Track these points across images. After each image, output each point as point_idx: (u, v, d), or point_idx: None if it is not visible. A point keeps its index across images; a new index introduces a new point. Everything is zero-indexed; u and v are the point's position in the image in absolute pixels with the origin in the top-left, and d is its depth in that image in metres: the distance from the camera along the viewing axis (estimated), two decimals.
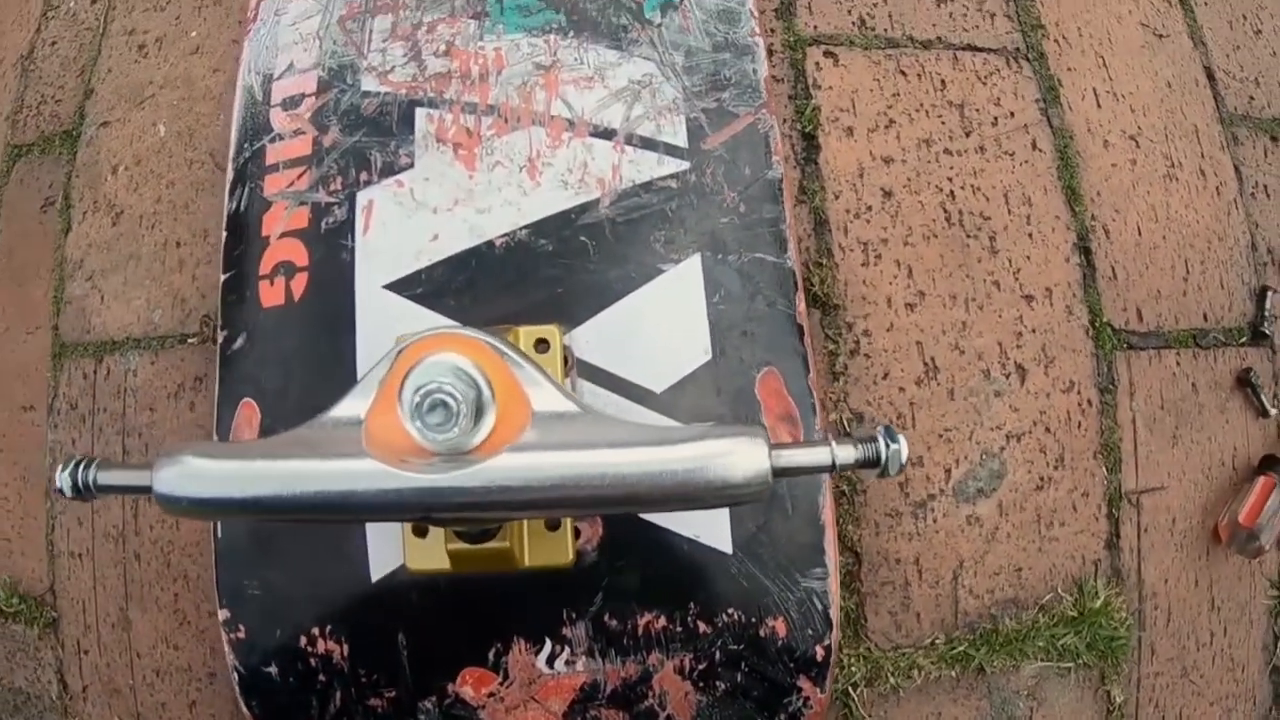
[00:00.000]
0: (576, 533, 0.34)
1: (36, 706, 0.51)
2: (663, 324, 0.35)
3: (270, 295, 0.37)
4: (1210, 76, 0.51)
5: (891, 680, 0.40)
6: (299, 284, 0.37)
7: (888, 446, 0.26)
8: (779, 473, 0.25)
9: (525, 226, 0.35)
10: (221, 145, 0.47)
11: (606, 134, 0.37)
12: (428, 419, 0.25)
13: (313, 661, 0.36)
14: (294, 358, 0.36)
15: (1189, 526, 0.45)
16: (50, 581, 0.50)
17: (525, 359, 0.27)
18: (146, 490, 0.27)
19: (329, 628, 0.35)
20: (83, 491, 0.28)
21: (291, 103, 0.39)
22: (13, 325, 0.52)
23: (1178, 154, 0.48)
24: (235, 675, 0.36)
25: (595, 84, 0.37)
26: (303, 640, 0.36)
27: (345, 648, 0.35)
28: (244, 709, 0.37)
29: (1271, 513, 0.45)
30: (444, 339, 0.27)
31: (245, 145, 0.39)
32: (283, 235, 0.37)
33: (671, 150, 0.37)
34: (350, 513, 0.27)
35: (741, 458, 0.25)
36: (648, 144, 0.37)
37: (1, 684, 0.52)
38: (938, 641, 0.40)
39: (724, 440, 0.25)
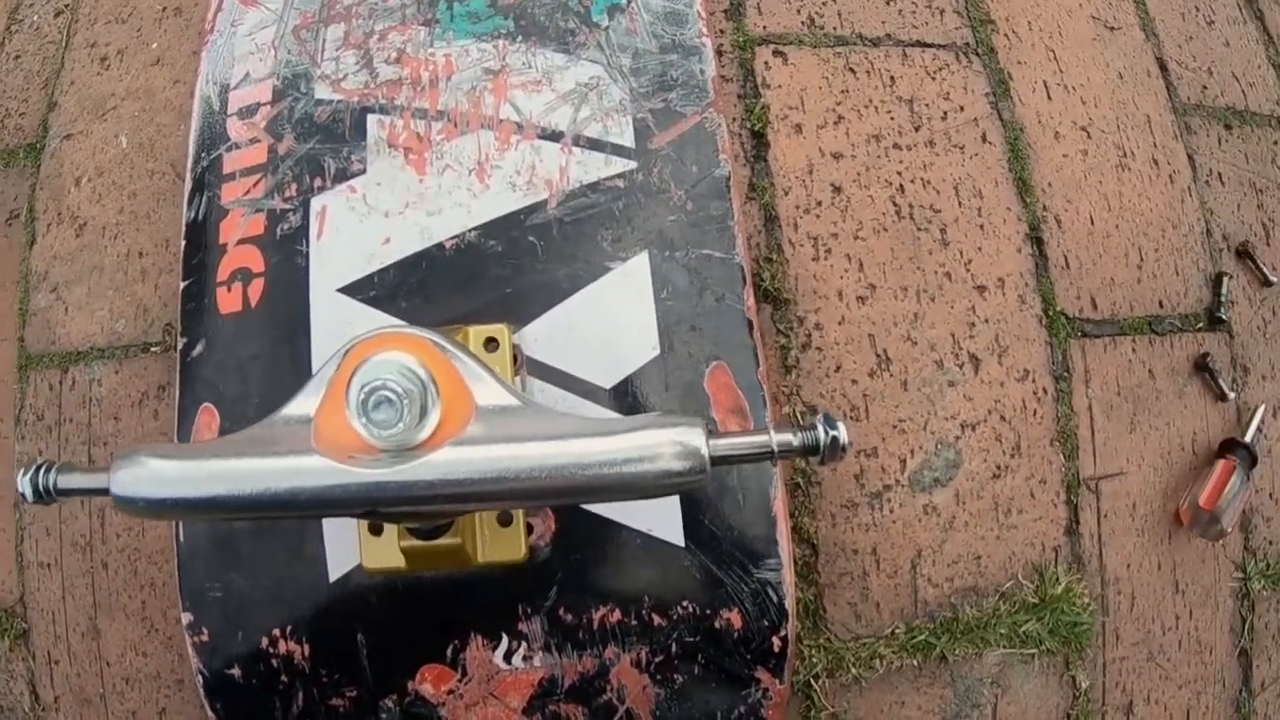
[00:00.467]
0: (529, 528, 0.35)
1: (8, 719, 0.52)
2: (611, 321, 0.36)
3: (228, 302, 0.38)
4: (1163, 67, 0.52)
5: (853, 671, 0.41)
6: (255, 290, 0.38)
7: (826, 433, 0.27)
8: (717, 461, 0.26)
9: (475, 228, 0.37)
10: (182, 155, 0.48)
11: (554, 136, 0.38)
12: (373, 416, 0.26)
13: (274, 663, 0.37)
14: (251, 362, 0.37)
15: (1150, 511, 0.46)
16: (20, 593, 0.51)
17: (469, 355, 0.28)
18: (105, 492, 0.28)
19: (289, 628, 0.36)
20: (43, 495, 0.29)
21: (247, 112, 0.41)
22: None
23: (1130, 144, 0.49)
24: (200, 678, 0.37)
25: (543, 87, 0.39)
26: (264, 642, 0.37)
27: (306, 648, 0.36)
28: (209, 712, 0.38)
29: (1232, 495, 0.46)
30: (389, 338, 0.28)
31: (203, 154, 0.41)
32: (240, 242, 0.39)
33: (618, 150, 0.38)
34: (298, 509, 0.28)
35: (679, 447, 0.25)
36: (595, 145, 0.38)
37: None
38: (898, 631, 0.41)
39: (662, 430, 0.26)
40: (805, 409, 0.39)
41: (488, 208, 0.37)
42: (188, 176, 0.41)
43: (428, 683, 0.36)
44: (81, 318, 0.49)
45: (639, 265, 0.37)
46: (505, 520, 0.34)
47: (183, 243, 0.40)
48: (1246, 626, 0.47)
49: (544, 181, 0.37)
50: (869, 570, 0.41)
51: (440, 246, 0.37)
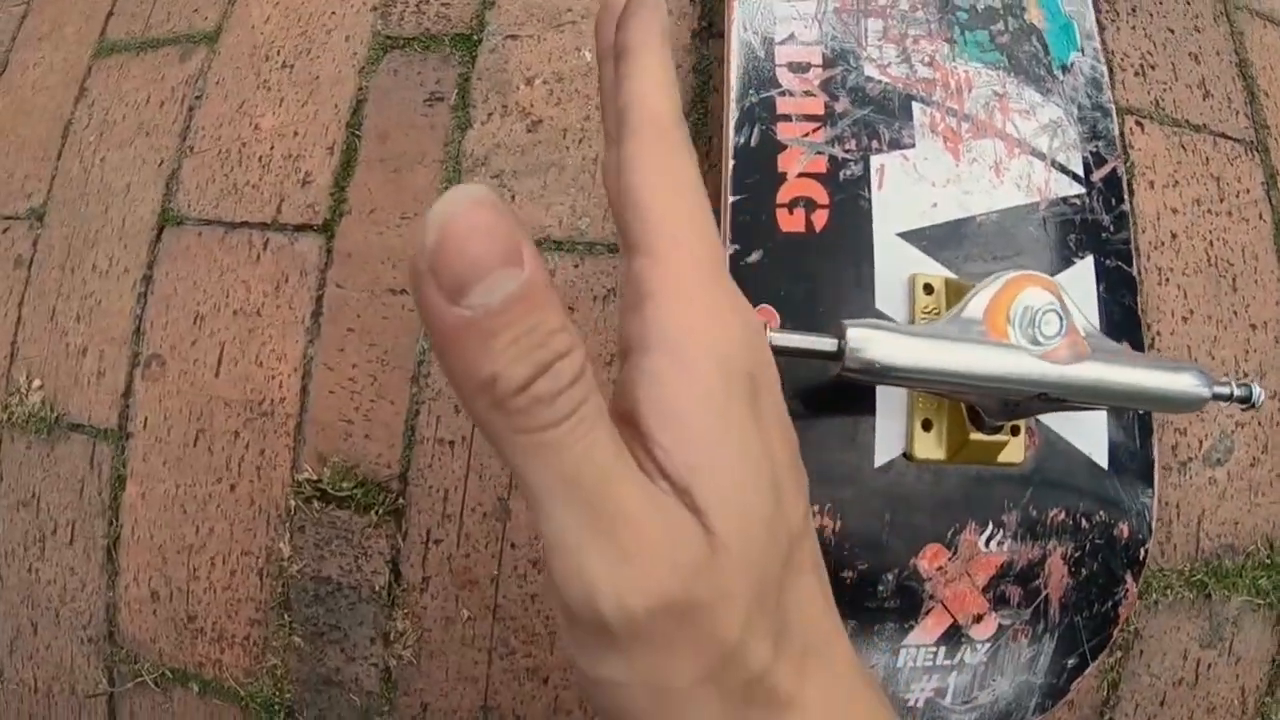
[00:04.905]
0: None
1: (348, 598, 0.54)
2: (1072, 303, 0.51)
3: (789, 222, 0.48)
4: None
5: (1154, 595, 0.58)
6: (819, 218, 0.49)
7: (1251, 390, 0.44)
8: (1214, 397, 0.42)
9: (996, 211, 0.51)
10: (692, 87, 0.57)
11: (1040, 155, 0.53)
12: (1043, 330, 0.40)
13: None
14: (815, 276, 0.48)
15: None
16: (403, 468, 0.54)
17: (1065, 293, 0.42)
18: (828, 355, 0.38)
19: (828, 505, 0.47)
20: None
21: (799, 68, 0.52)
22: (380, 208, 0.57)
23: None
24: None
25: (1030, 117, 0.54)
26: None
27: (838, 524, 0.47)
28: None
29: None
30: (1032, 277, 0.42)
31: (750, 92, 0.51)
32: (800, 175, 0.49)
33: (1075, 178, 0.54)
34: (990, 385, 0.40)
35: (1201, 387, 0.41)
36: (1062, 169, 0.53)
37: (304, 573, 0.55)
38: (1185, 569, 0.59)
39: (1190, 373, 0.41)
40: None
41: (1003, 198, 0.51)
42: (733, 107, 0.51)
43: (925, 559, 0.48)
44: (533, 208, 0.55)
45: (1087, 264, 0.52)
46: (1016, 431, 0.48)
47: (732, 163, 0.50)
48: None
49: (1036, 188, 0.52)
50: (1173, 519, 0.59)
51: (973, 219, 0.50)
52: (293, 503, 0.55)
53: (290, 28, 0.62)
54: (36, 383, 0.63)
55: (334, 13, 0.61)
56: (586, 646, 0.18)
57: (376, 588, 0.54)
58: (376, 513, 0.54)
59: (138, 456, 0.59)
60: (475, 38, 0.59)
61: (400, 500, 0.54)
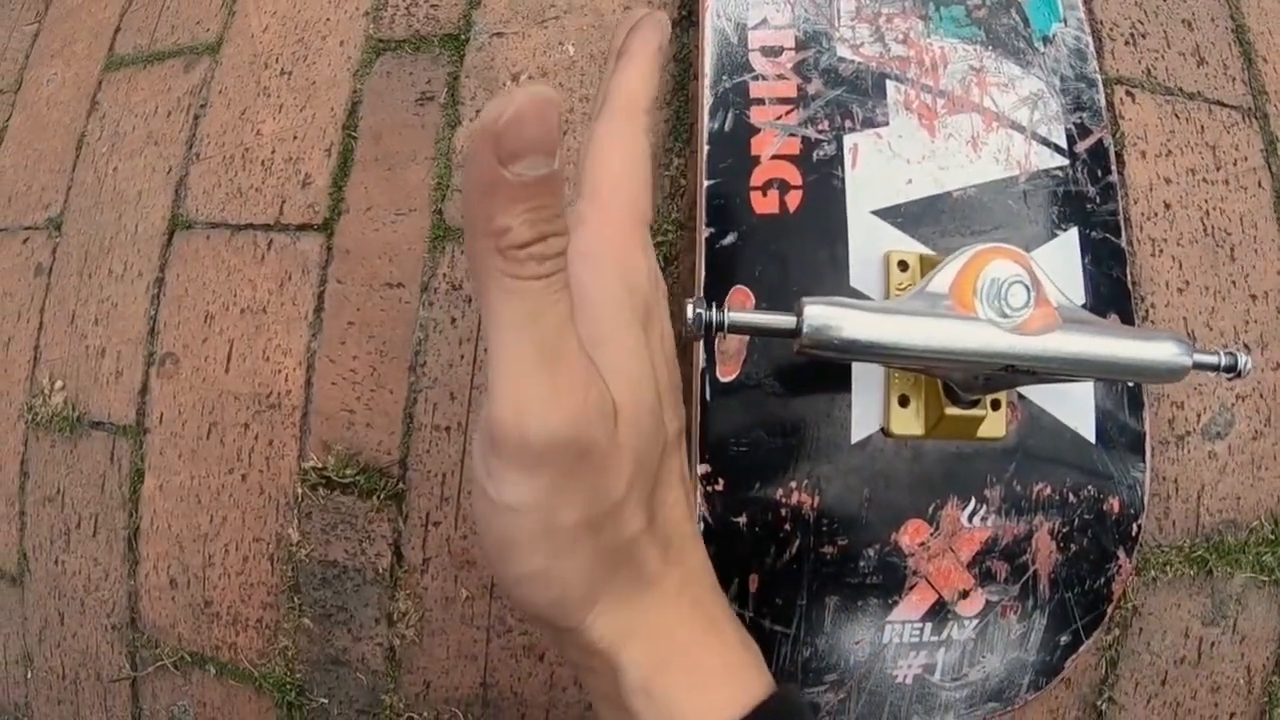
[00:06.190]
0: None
1: (353, 580, 0.58)
2: (1056, 275, 0.52)
3: (763, 205, 0.51)
4: None
5: (1153, 571, 0.59)
6: (793, 199, 0.51)
7: (1237, 358, 0.45)
8: (1196, 366, 0.43)
9: (973, 185, 0.52)
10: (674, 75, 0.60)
11: (1019, 129, 0.55)
12: (1009, 301, 0.42)
13: (783, 511, 0.49)
14: (788, 256, 0.50)
15: None
16: (402, 454, 0.58)
17: (1038, 265, 0.43)
18: (787, 332, 0.40)
19: (805, 481, 0.49)
20: (711, 327, 0.41)
21: (771, 51, 0.54)
22: (376, 206, 0.61)
23: None
24: (701, 525, 0.49)
25: (1009, 90, 0.56)
26: (779, 492, 0.49)
27: (816, 499, 0.49)
28: None
29: None
30: (1000, 250, 0.44)
31: (724, 77, 0.53)
32: (774, 157, 0.52)
33: (1057, 149, 0.55)
34: (955, 359, 0.42)
35: (1181, 356, 0.42)
36: (1044, 142, 0.55)
37: (311, 557, 0.59)
38: (1185, 545, 0.60)
39: (1169, 341, 0.43)
40: None
41: (980, 172, 0.53)
42: (708, 94, 0.53)
43: (907, 535, 0.50)
44: None
45: (1071, 236, 0.54)
46: (995, 405, 0.50)
47: (706, 148, 0.52)
48: None
49: (1015, 162, 0.54)
50: (1171, 494, 0.60)
51: (948, 194, 0.52)
52: (300, 490, 0.59)
53: (287, 35, 0.66)
54: (59, 384, 0.68)
55: (329, 19, 0.65)
56: (497, 471, 0.21)
57: (380, 570, 0.58)
58: (379, 498, 0.58)
59: (155, 451, 0.64)
60: (463, 37, 0.62)
61: (400, 485, 0.58)
